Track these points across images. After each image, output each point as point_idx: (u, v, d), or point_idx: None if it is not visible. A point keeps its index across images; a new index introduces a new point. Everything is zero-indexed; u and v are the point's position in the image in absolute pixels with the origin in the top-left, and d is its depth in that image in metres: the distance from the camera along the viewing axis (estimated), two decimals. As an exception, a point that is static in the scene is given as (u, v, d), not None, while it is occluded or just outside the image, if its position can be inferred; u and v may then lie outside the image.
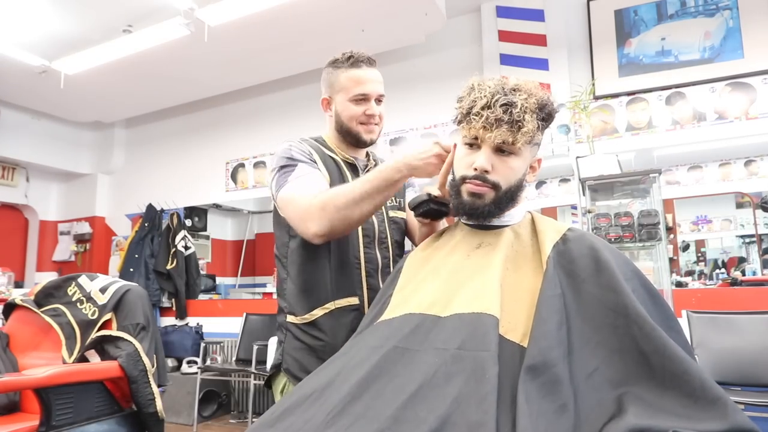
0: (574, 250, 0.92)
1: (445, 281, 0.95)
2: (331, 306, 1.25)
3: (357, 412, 0.75)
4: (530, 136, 0.95)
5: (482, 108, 0.94)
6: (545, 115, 0.97)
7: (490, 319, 0.82)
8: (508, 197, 0.99)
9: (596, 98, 3.55)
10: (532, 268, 0.92)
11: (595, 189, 3.27)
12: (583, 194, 3.26)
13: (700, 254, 4.19)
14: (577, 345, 0.80)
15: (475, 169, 0.97)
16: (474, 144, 0.99)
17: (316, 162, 1.30)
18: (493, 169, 0.96)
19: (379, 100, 1.35)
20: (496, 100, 0.93)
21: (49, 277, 4.14)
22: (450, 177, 1.07)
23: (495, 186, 0.97)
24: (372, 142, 1.38)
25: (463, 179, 1.00)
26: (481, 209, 0.99)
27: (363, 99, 1.32)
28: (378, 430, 0.70)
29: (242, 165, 5.09)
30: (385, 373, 0.80)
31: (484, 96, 0.94)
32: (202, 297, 5.28)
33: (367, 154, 1.45)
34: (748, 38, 3.22)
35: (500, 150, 0.96)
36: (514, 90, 0.95)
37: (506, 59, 3.86)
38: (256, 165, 5.01)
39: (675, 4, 3.45)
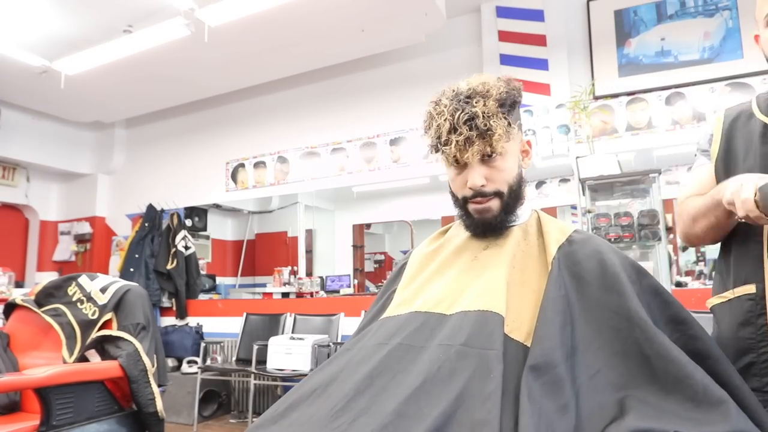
0: (579, 252, 0.92)
1: (452, 281, 0.95)
2: (729, 295, 1.09)
3: (360, 407, 0.75)
4: (505, 136, 0.92)
5: (449, 133, 0.92)
6: (509, 105, 0.94)
7: (495, 317, 0.82)
8: (513, 197, 0.98)
9: (596, 98, 3.55)
10: (538, 268, 0.92)
11: (595, 189, 3.27)
12: (583, 194, 3.26)
13: (699, 254, 4.18)
14: (580, 347, 0.80)
15: (471, 189, 0.96)
16: (458, 163, 0.98)
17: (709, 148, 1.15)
18: (487, 180, 0.95)
19: None
20: (458, 119, 0.91)
21: (50, 277, 4.14)
22: (453, 199, 1.04)
23: (497, 194, 0.96)
24: None
25: (465, 200, 0.98)
26: (494, 222, 0.97)
27: None
28: (381, 425, 0.71)
29: (242, 165, 5.09)
30: (389, 370, 0.81)
31: (446, 119, 0.92)
32: (202, 297, 5.28)
33: None
34: (747, 38, 3.22)
35: (486, 159, 0.94)
36: (469, 98, 0.92)
37: (506, 59, 3.86)
38: (256, 165, 5.01)
39: (674, 4, 3.46)
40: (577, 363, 0.78)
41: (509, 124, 0.93)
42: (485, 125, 0.90)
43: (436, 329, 0.85)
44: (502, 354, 0.76)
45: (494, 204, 0.96)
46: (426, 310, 0.90)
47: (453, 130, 0.92)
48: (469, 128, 0.90)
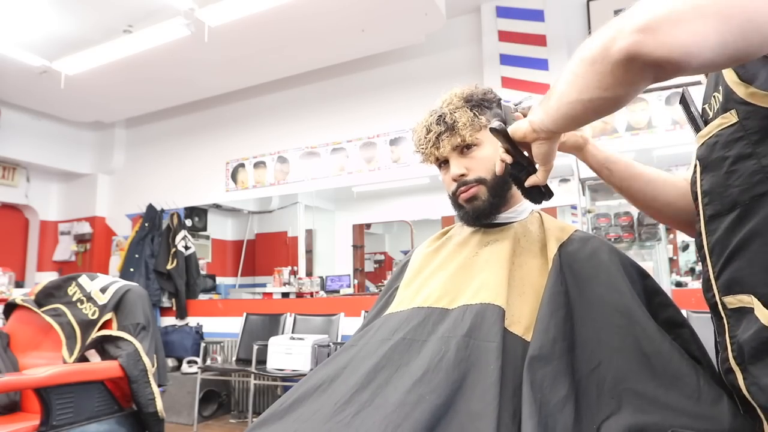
0: (580, 251, 0.93)
1: (454, 276, 0.96)
2: None
3: (363, 400, 0.77)
4: (471, 125, 1.00)
5: (426, 135, 1.04)
6: (478, 101, 1.03)
7: (496, 310, 0.83)
8: (500, 183, 1.01)
9: (596, 98, 3.55)
10: (538, 265, 0.93)
11: (595, 189, 3.28)
12: (583, 194, 3.26)
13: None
14: (579, 341, 0.81)
15: (455, 181, 1.03)
16: (442, 165, 1.07)
17: None
18: (467, 169, 1.02)
19: None
20: (430, 123, 1.03)
21: (50, 277, 4.14)
22: (449, 199, 1.11)
23: (480, 181, 1.01)
24: None
25: (455, 193, 1.04)
26: (483, 208, 1.01)
27: None
28: (383, 416, 0.72)
29: (242, 165, 5.09)
30: (392, 364, 0.82)
31: (423, 126, 1.05)
32: (202, 297, 5.28)
33: None
34: (747, 38, 3.22)
35: (463, 151, 1.02)
36: (443, 104, 1.04)
37: (506, 59, 3.86)
38: (256, 165, 5.01)
39: (675, 4, 3.45)
40: (577, 358, 0.79)
41: (476, 115, 1.01)
42: (451, 119, 1.00)
43: (438, 323, 0.86)
44: (501, 347, 0.77)
45: (480, 190, 1.01)
46: (428, 305, 0.91)
47: (427, 131, 1.04)
48: (438, 125, 1.02)
